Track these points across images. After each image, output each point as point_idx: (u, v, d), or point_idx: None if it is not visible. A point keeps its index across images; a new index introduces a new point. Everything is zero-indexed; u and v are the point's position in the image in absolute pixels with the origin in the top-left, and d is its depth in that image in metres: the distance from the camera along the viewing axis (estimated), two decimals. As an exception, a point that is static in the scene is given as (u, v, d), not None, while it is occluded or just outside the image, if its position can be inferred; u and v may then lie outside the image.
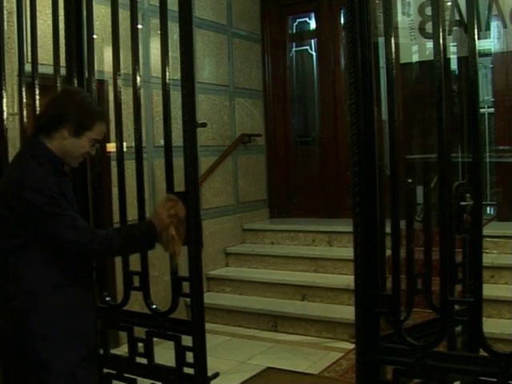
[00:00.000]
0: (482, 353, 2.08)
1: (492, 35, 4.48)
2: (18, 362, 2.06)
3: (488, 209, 5.58)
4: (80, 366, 2.11)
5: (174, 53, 2.55)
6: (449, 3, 3.66)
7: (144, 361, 2.72)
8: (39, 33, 2.92)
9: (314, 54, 6.27)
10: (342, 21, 5.84)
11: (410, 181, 2.27)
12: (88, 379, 2.17)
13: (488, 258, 4.20)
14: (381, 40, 2.21)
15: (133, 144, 2.67)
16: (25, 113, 2.87)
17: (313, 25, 6.28)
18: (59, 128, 2.11)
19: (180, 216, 2.34)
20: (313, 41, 6.26)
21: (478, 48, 2.03)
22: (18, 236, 2.05)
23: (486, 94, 5.98)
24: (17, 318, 2.05)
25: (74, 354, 2.10)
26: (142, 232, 2.25)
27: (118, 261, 2.78)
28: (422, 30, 4.46)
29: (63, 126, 2.11)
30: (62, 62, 2.80)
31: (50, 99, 2.44)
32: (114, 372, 2.79)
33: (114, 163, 2.79)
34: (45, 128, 2.14)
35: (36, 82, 2.82)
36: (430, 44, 2.36)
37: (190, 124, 2.49)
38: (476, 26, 2.04)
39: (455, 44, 3.34)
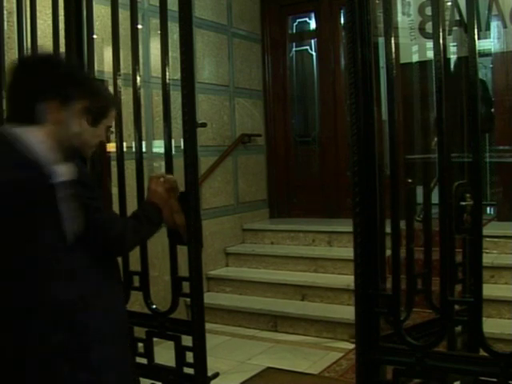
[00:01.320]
0: (482, 353, 2.08)
1: (492, 35, 4.49)
2: (70, 367, 1.90)
3: (488, 209, 5.57)
4: (124, 364, 2.06)
5: (174, 53, 2.55)
6: (449, 3, 3.67)
7: (144, 361, 2.71)
8: (39, 33, 2.92)
9: (313, 53, 6.27)
10: (342, 21, 5.84)
11: (410, 181, 2.27)
12: (130, 375, 2.13)
13: (488, 258, 4.20)
14: (381, 40, 2.21)
15: (133, 144, 2.68)
16: (25, 113, 2.87)
17: (313, 25, 6.28)
18: None
19: (174, 187, 2.31)
20: (313, 41, 6.26)
21: (477, 48, 2.03)
22: None
23: (485, 93, 5.98)
24: (67, 324, 1.89)
25: (121, 353, 2.03)
26: (154, 213, 2.21)
27: (118, 261, 2.77)
28: (422, 29, 4.48)
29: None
30: (62, 62, 2.80)
31: None
32: (114, 372, 2.79)
33: (114, 163, 2.79)
34: None
35: (36, 81, 2.82)
36: (430, 44, 2.36)
37: (190, 124, 2.49)
38: (476, 26, 2.04)
39: (455, 44, 3.34)
